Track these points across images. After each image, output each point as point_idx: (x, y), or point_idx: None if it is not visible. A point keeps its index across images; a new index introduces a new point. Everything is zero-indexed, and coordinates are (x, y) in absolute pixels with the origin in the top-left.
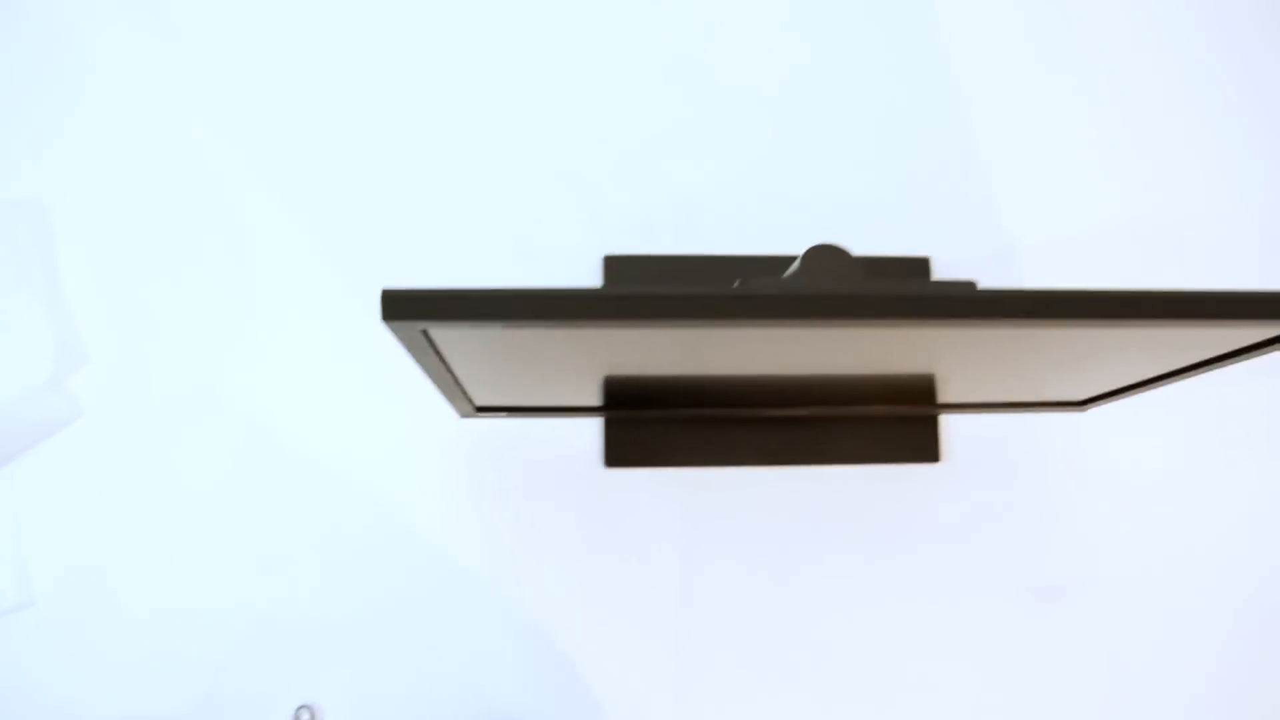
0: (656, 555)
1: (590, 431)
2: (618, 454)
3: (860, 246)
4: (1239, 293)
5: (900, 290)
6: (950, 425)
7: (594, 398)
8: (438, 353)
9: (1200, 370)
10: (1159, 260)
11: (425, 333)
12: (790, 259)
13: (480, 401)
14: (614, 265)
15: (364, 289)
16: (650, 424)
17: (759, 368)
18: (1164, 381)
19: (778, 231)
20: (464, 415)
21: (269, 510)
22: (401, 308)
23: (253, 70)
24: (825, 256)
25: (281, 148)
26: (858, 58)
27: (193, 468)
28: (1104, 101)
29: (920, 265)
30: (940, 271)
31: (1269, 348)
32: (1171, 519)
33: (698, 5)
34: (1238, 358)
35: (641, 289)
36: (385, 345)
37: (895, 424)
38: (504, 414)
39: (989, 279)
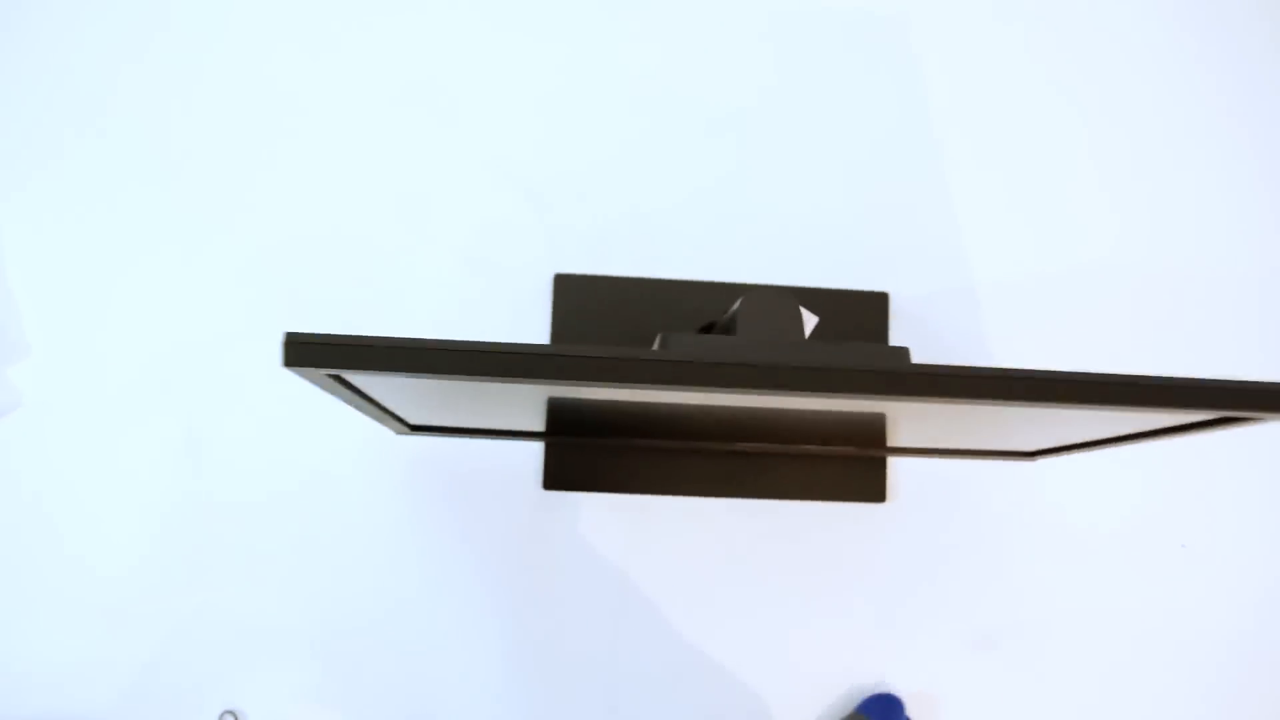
0: (591, 580)
1: (530, 450)
2: (556, 477)
3: (819, 276)
4: (1169, 381)
5: (824, 361)
6: (898, 465)
7: (535, 423)
8: (354, 389)
9: (1149, 439)
10: (1127, 300)
11: (336, 375)
12: (744, 288)
13: (414, 421)
14: (564, 284)
15: (310, 293)
16: (591, 448)
17: (702, 403)
18: (1113, 444)
19: (735, 256)
20: (398, 433)
21: (199, 514)
22: (304, 354)
23: (208, 65)
24: (764, 302)
25: (232, 145)
26: (826, 82)
27: (124, 468)
28: (1074, 140)
29: (878, 300)
30: (899, 306)
31: (1208, 428)
32: (1118, 571)
33: (665, 21)
34: (1183, 433)
35: (549, 349)
36: None
37: (842, 462)
38: (440, 434)
39: (950, 314)
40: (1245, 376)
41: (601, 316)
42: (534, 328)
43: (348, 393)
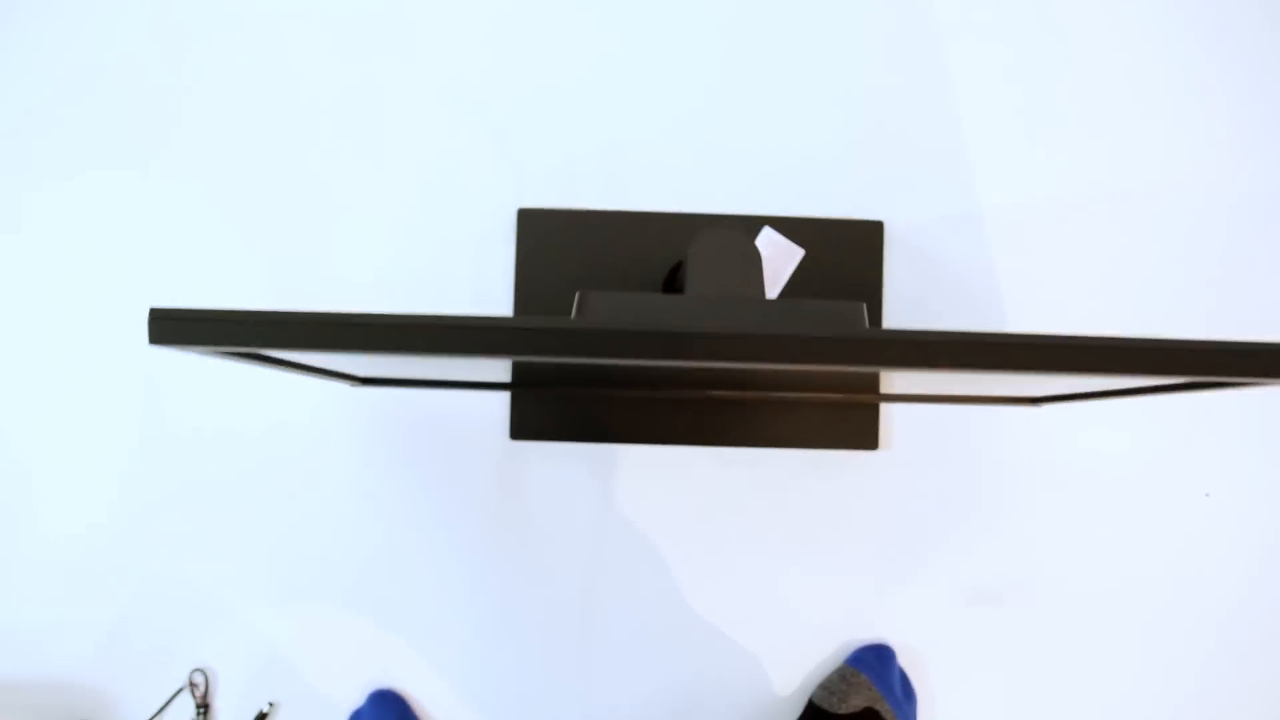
0: (564, 534)
1: (497, 398)
2: (524, 426)
3: (807, 205)
4: (1147, 343)
5: (754, 327)
6: (892, 410)
7: (499, 374)
8: (276, 360)
9: (1170, 392)
10: (1129, 226)
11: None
12: (722, 218)
13: (364, 375)
14: (528, 219)
15: (266, 236)
16: (561, 397)
17: None
18: (1130, 395)
19: (715, 185)
20: (353, 386)
21: (163, 472)
22: (169, 331)
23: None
24: (716, 245)
25: (178, 82)
26: None
27: (86, 428)
28: (1082, 56)
29: (872, 229)
30: (896, 235)
31: (1222, 388)
32: (1133, 522)
33: None
34: (1197, 390)
35: (449, 319)
36: (287, 301)
37: (830, 407)
38: (396, 385)
39: (948, 242)
40: (1262, 303)
41: (568, 253)
42: (497, 266)
43: (273, 363)
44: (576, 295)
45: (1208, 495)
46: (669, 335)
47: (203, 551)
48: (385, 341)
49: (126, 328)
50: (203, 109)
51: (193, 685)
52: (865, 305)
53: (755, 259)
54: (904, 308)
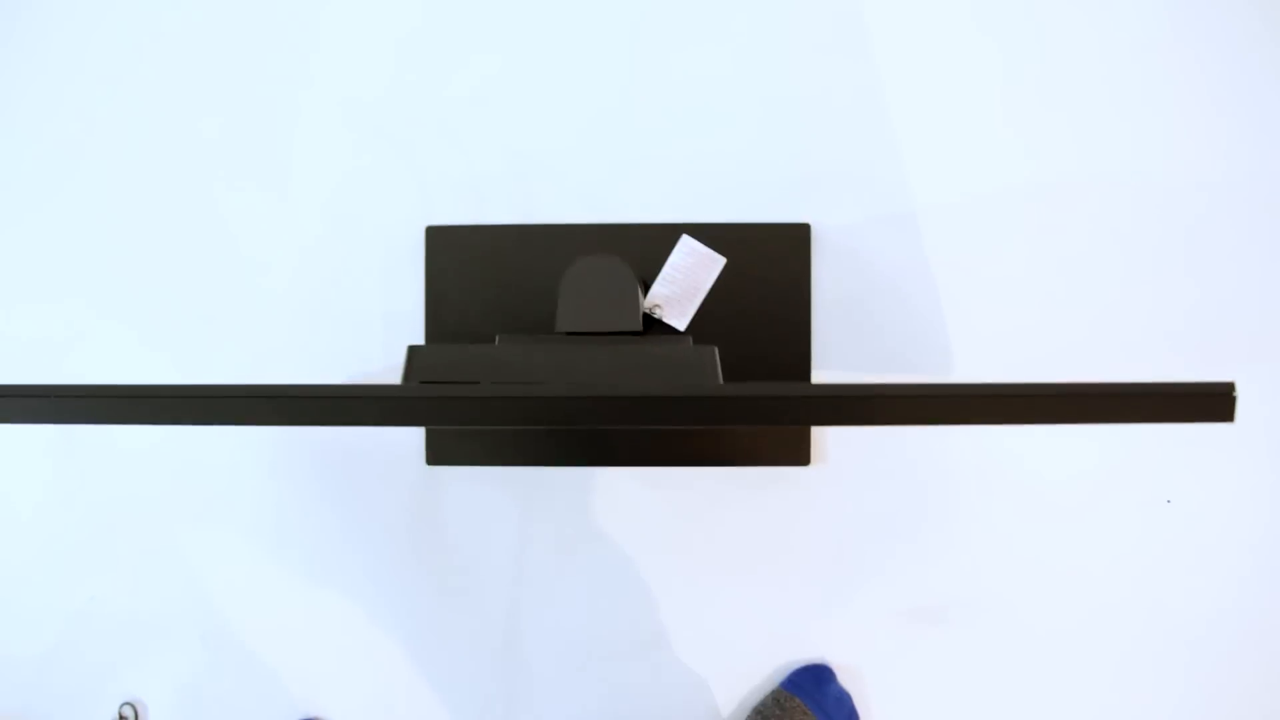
0: (486, 561)
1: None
2: (441, 452)
3: (730, 211)
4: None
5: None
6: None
7: None
8: None
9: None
10: (1065, 223)
11: None
12: (636, 228)
13: None
14: (437, 237)
15: (167, 268)
16: None
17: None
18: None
19: (634, 193)
20: None
21: (85, 508)
22: None
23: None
24: (587, 278)
25: (81, 99)
26: None
27: (5, 465)
28: (1011, 51)
29: (799, 233)
30: (823, 238)
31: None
32: (1088, 533)
33: None
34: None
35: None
36: (194, 330)
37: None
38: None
39: (879, 243)
40: (1191, 299)
41: (480, 270)
42: (407, 287)
43: None
44: (406, 350)
45: (1169, 503)
46: (482, 401)
47: (127, 585)
48: (137, 414)
49: (40, 366)
50: (94, 134)
51: (122, 718)
52: (716, 350)
53: (629, 289)
54: (835, 314)
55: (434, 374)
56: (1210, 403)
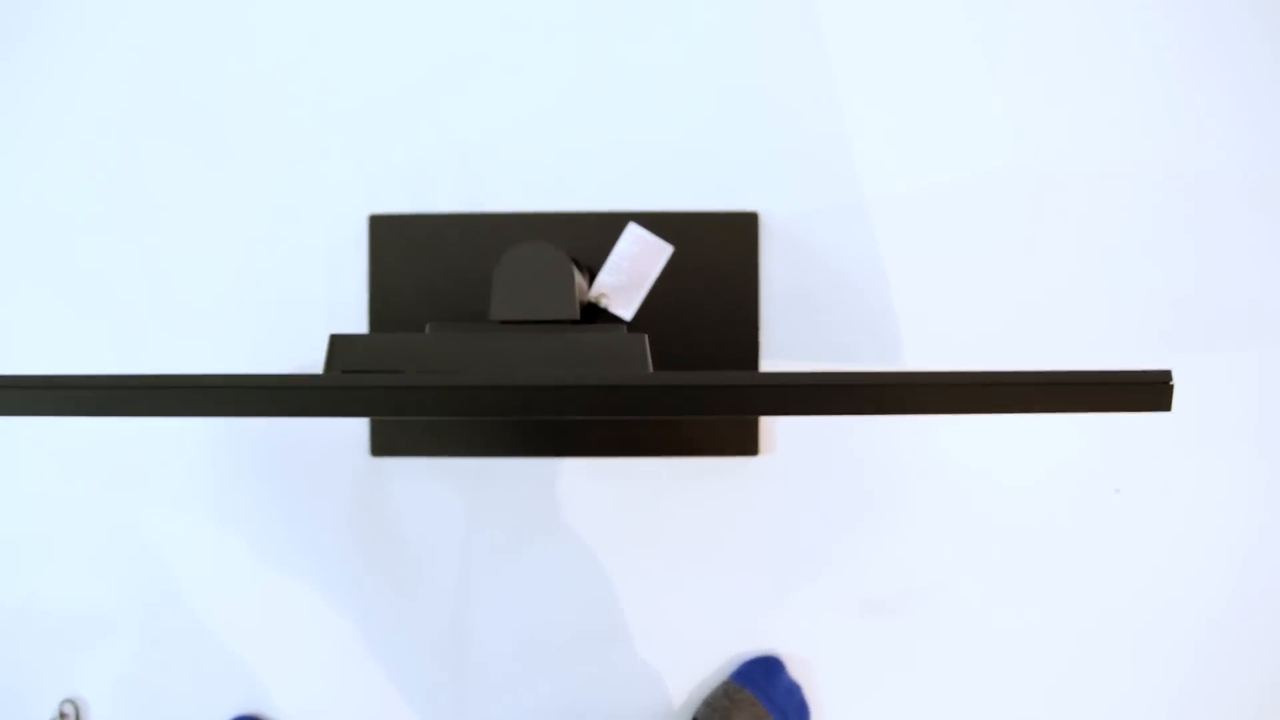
0: (432, 554)
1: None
2: (385, 443)
3: (678, 199)
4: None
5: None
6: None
7: None
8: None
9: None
10: (1018, 212)
11: None
12: (583, 216)
13: None
14: (380, 226)
15: (108, 254)
16: None
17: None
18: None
19: (578, 180)
20: None
21: (18, 502)
22: None
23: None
24: (522, 265)
25: (15, 98)
26: None
27: None
28: (964, 34)
29: (746, 221)
30: (772, 226)
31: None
32: (1034, 522)
33: None
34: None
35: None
36: (133, 321)
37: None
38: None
39: (829, 232)
40: (1147, 289)
41: (424, 260)
42: (350, 277)
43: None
44: (328, 339)
45: (1118, 491)
46: (394, 391)
47: (65, 582)
48: (67, 406)
49: None
50: (30, 123)
51: (63, 716)
52: (646, 337)
53: (564, 276)
54: (783, 304)
55: (357, 363)
56: (1147, 392)
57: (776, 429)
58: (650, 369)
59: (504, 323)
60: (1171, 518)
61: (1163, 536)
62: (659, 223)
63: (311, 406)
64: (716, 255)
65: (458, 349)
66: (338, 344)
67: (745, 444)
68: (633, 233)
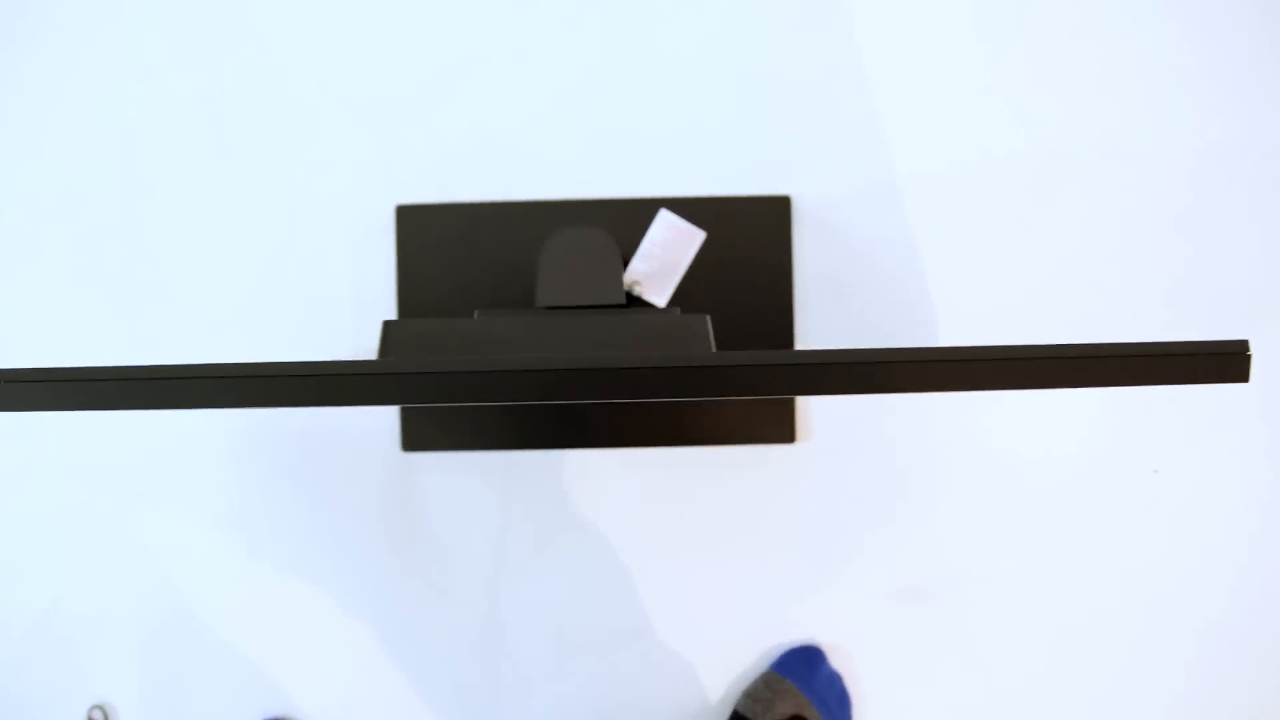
0: (466, 550)
1: (386, 410)
2: (417, 438)
3: (709, 184)
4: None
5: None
6: (808, 400)
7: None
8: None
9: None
10: (1052, 195)
11: None
12: (613, 203)
13: None
14: (408, 216)
15: (132, 251)
16: (454, 405)
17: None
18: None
19: (608, 167)
20: None
21: (43, 505)
22: None
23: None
24: (569, 249)
25: (34, 96)
26: None
27: None
28: (999, 22)
29: (779, 205)
30: (805, 210)
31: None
32: (1073, 506)
33: None
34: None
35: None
36: (161, 315)
37: (743, 400)
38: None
39: (862, 216)
40: (1183, 271)
41: (453, 249)
42: (378, 268)
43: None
44: (381, 325)
45: (1156, 472)
46: (466, 376)
47: (91, 585)
48: (118, 399)
49: None
50: (61, 122)
51: None
52: (708, 318)
53: (611, 259)
54: (817, 288)
55: (412, 349)
56: (1225, 362)
57: (813, 416)
58: (714, 348)
59: (550, 308)
60: (1213, 499)
61: (1203, 518)
62: (690, 208)
63: (383, 393)
64: (749, 240)
65: (515, 334)
66: (392, 329)
67: (782, 431)
68: (664, 219)
